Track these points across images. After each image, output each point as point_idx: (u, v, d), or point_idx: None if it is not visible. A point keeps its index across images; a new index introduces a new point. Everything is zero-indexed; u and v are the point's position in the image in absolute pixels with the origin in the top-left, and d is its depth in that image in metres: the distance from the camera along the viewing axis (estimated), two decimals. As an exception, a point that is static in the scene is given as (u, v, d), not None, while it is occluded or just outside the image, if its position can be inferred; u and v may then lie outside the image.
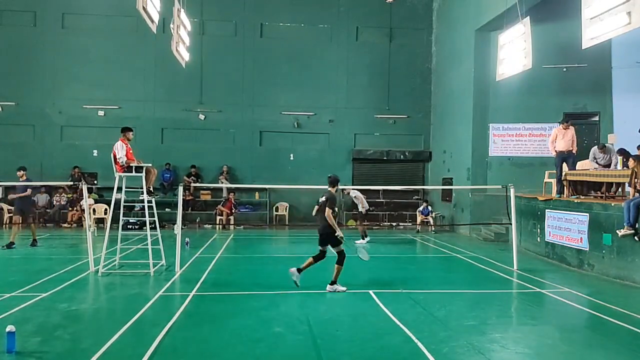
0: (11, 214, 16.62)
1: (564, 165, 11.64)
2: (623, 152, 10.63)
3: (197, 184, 17.09)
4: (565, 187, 11.49)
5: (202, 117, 18.95)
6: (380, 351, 5.30)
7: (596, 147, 11.73)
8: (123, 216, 10.22)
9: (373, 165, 19.79)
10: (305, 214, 19.14)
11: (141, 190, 9.29)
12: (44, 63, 18.39)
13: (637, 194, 8.91)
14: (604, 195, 10.59)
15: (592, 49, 9.25)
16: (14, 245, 12.14)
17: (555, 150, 11.78)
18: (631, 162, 9.21)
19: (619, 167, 10.93)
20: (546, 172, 13.31)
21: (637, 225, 8.60)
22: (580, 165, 11.85)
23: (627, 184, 10.10)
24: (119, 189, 9.22)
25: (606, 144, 11.87)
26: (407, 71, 19.77)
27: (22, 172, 12.35)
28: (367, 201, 14.59)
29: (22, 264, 10.26)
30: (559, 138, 11.70)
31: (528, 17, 11.69)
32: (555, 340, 5.76)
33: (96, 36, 18.58)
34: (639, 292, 8.29)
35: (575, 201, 10.57)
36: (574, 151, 11.62)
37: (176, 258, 9.55)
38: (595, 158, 11.50)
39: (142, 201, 9.32)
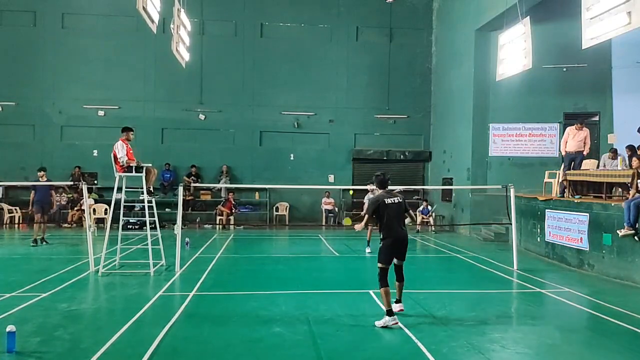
0: (11, 214, 16.70)
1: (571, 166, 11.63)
2: (631, 148, 10.55)
3: (197, 184, 17.09)
4: (565, 188, 11.50)
5: (202, 117, 18.95)
6: (380, 351, 5.30)
7: (606, 154, 11.69)
8: (123, 216, 10.20)
9: (373, 165, 19.73)
10: (305, 214, 19.18)
11: (141, 190, 9.29)
12: (44, 63, 18.39)
13: (638, 194, 8.91)
14: (604, 195, 10.59)
15: (592, 49, 9.25)
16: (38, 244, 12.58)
17: (565, 151, 11.78)
18: (635, 162, 9.19)
19: (619, 166, 10.92)
20: (546, 172, 13.32)
21: (637, 225, 8.60)
22: (584, 165, 11.86)
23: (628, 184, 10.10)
24: (119, 189, 9.22)
25: (616, 149, 11.82)
26: (407, 71, 19.78)
27: (42, 172, 12.84)
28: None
29: (22, 264, 10.26)
30: (569, 138, 11.68)
31: (528, 17, 11.69)
32: (555, 340, 5.76)
33: (96, 36, 18.57)
34: (639, 292, 8.29)
35: (576, 201, 10.57)
36: (584, 152, 11.59)
37: (176, 258, 9.55)
38: (605, 166, 11.45)
39: (142, 201, 9.33)
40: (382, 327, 5.97)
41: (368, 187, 12.83)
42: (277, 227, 18.53)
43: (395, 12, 19.45)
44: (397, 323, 5.99)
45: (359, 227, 6.48)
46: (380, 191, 6.51)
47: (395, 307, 6.38)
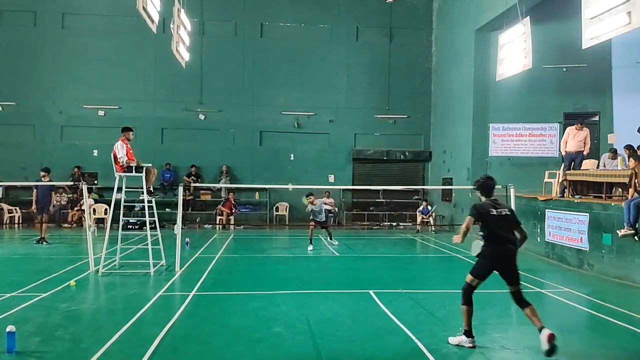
0: (11, 214, 16.72)
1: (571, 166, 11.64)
2: (630, 147, 10.54)
3: (197, 184, 17.09)
4: (565, 188, 11.50)
5: (202, 117, 18.95)
6: (380, 351, 5.30)
7: (606, 154, 11.68)
8: (123, 216, 10.22)
9: (373, 165, 19.79)
10: (305, 214, 19.10)
11: (141, 190, 9.29)
12: (44, 63, 18.39)
13: (637, 194, 8.91)
14: (604, 195, 10.58)
15: (592, 49, 9.24)
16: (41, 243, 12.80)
17: (565, 151, 11.77)
18: (632, 163, 9.20)
19: (619, 166, 10.91)
20: (546, 172, 13.32)
21: (637, 225, 8.60)
22: (584, 165, 11.85)
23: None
24: (119, 189, 9.22)
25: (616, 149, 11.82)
26: (407, 71, 19.77)
27: (44, 172, 12.98)
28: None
29: (22, 264, 10.26)
30: (569, 138, 11.69)
31: (528, 17, 11.68)
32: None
33: (96, 36, 18.57)
34: (639, 292, 8.29)
35: (576, 201, 10.57)
36: (584, 152, 11.59)
37: (176, 258, 9.55)
38: (604, 165, 11.45)
39: (142, 201, 9.33)
40: (456, 345, 5.38)
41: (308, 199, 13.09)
42: (277, 227, 18.53)
43: (395, 12, 19.44)
44: (474, 346, 5.31)
45: (457, 238, 5.72)
46: (485, 199, 5.69)
47: (543, 335, 5.06)
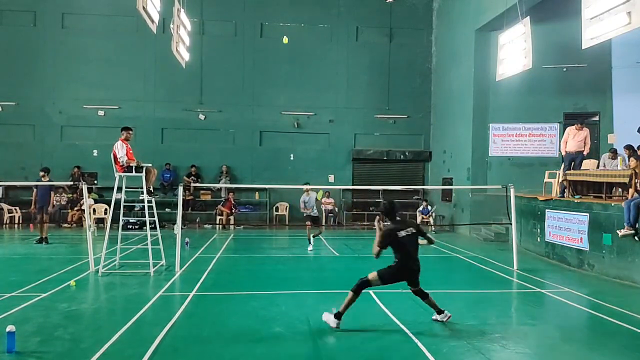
0: (11, 214, 16.72)
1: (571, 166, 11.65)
2: (630, 147, 10.55)
3: (197, 184, 17.08)
4: (565, 188, 11.50)
5: (202, 117, 18.95)
6: (380, 351, 5.30)
7: (606, 154, 11.69)
8: (123, 216, 10.22)
9: (373, 165, 19.79)
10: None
11: (141, 190, 9.29)
12: (44, 63, 18.39)
13: (637, 194, 8.91)
14: (604, 195, 10.58)
15: (592, 49, 9.25)
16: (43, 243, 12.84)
17: (565, 151, 11.79)
18: (632, 162, 9.20)
19: (619, 166, 10.92)
20: (546, 172, 13.32)
21: (637, 225, 8.60)
22: (584, 165, 11.86)
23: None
24: (119, 189, 9.22)
25: (616, 149, 11.83)
26: (407, 71, 19.77)
27: (43, 172, 13.00)
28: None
29: (22, 264, 10.26)
30: (569, 138, 11.70)
31: (528, 17, 11.69)
32: (555, 340, 5.76)
33: (96, 36, 18.57)
34: (639, 292, 8.29)
35: (576, 201, 10.57)
36: (584, 152, 11.60)
37: (176, 258, 9.55)
38: (604, 165, 11.45)
39: (142, 201, 9.32)
40: (324, 320, 5.99)
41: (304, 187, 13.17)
42: (277, 227, 18.53)
43: (395, 12, 19.45)
44: (338, 328, 5.86)
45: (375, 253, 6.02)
46: (391, 222, 6.16)
47: (444, 317, 6.28)
